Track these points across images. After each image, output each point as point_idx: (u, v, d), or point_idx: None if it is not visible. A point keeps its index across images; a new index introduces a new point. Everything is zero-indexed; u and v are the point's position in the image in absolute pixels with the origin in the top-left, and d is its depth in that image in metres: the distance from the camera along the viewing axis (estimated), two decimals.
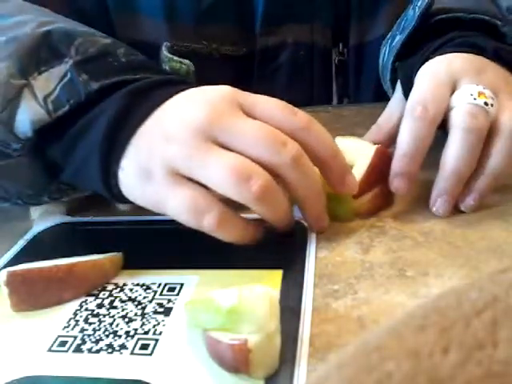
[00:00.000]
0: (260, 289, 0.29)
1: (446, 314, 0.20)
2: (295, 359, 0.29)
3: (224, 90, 0.37)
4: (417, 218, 0.41)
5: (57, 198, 0.44)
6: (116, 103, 0.37)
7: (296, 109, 0.37)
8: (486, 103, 0.39)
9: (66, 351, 0.32)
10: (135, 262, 0.39)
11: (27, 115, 0.37)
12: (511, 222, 0.39)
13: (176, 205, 0.35)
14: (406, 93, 0.44)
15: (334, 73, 0.66)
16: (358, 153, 0.43)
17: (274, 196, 0.35)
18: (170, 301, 0.35)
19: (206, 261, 0.39)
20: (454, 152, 0.39)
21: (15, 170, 0.40)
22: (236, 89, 0.37)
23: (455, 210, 0.41)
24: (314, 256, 0.38)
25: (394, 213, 0.42)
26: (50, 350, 0.32)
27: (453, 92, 0.41)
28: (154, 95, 0.38)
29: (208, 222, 0.35)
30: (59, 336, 0.33)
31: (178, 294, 0.35)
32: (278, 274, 0.36)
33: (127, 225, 0.46)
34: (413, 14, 0.47)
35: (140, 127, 0.36)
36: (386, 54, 0.52)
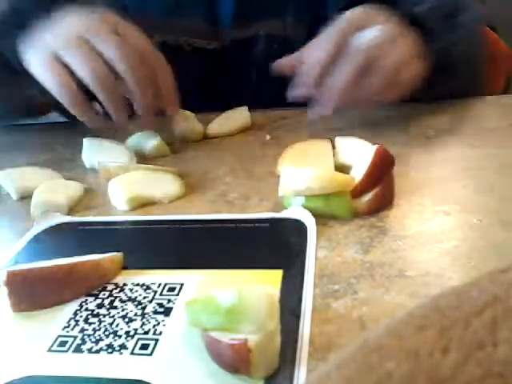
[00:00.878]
0: (260, 289, 0.29)
1: (446, 314, 0.20)
2: (295, 359, 0.29)
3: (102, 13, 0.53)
4: (417, 218, 0.41)
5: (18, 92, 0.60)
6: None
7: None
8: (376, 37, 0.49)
9: (66, 351, 0.32)
10: (135, 262, 0.39)
11: None
12: (511, 222, 0.39)
13: (48, 77, 0.51)
14: None
15: None
16: (357, 153, 0.43)
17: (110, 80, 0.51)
18: (169, 301, 0.35)
19: (206, 261, 0.39)
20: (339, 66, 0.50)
21: None
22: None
23: (454, 209, 0.41)
24: (314, 256, 0.38)
25: (394, 213, 0.42)
26: (49, 350, 0.32)
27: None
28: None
29: (67, 95, 0.51)
30: (59, 336, 0.33)
31: (178, 294, 0.35)
32: (278, 274, 0.36)
33: (127, 225, 0.46)
34: None
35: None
36: None
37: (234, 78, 0.67)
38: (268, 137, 0.59)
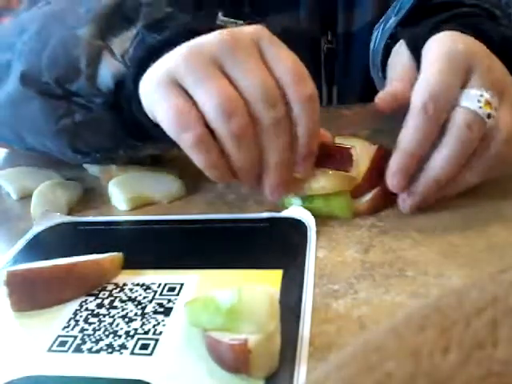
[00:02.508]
0: (260, 289, 0.29)
1: (446, 314, 0.20)
2: (295, 359, 0.29)
3: (252, 28, 0.38)
4: (417, 218, 0.41)
5: (131, 153, 0.47)
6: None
7: (306, 77, 0.38)
8: (488, 115, 0.38)
9: (66, 351, 0.32)
10: (135, 261, 0.39)
11: (108, 70, 0.42)
12: (511, 222, 0.39)
13: (164, 110, 0.36)
14: (414, 52, 0.43)
15: (323, 61, 0.67)
16: (358, 153, 0.43)
17: (251, 135, 0.36)
18: (170, 301, 0.35)
19: (206, 261, 0.39)
20: (441, 156, 0.38)
21: (97, 123, 0.44)
22: (267, 32, 0.38)
23: (455, 210, 0.41)
24: (314, 256, 0.38)
25: (394, 213, 0.42)
26: (49, 350, 0.32)
27: (462, 82, 0.39)
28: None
29: (187, 137, 0.36)
30: (59, 336, 0.33)
31: (178, 294, 0.35)
32: (278, 274, 0.36)
33: (127, 225, 0.46)
34: None
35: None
36: (379, 36, 0.52)
37: None
38: None
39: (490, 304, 0.20)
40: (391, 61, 0.48)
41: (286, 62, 0.37)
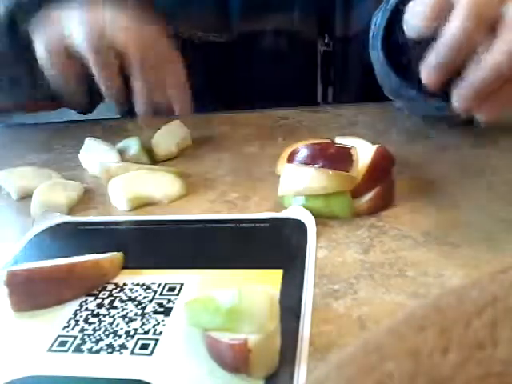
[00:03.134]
0: (260, 289, 0.29)
1: (446, 314, 0.20)
2: (295, 359, 0.29)
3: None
4: (417, 218, 0.41)
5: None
6: None
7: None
8: None
9: (66, 351, 0.32)
10: (135, 262, 0.39)
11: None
12: (511, 222, 0.39)
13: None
14: None
15: (320, 63, 0.67)
16: (357, 153, 0.43)
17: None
18: (170, 301, 0.35)
19: (206, 261, 0.39)
20: (494, 54, 0.34)
21: None
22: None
23: (454, 209, 0.41)
24: (314, 256, 0.38)
25: (394, 213, 0.42)
26: (49, 350, 0.32)
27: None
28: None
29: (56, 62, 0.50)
30: (59, 336, 0.33)
31: (178, 294, 0.35)
32: (278, 274, 0.36)
33: (127, 225, 0.46)
34: None
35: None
36: (379, 17, 0.51)
37: (242, 72, 0.67)
38: (280, 139, 0.58)
39: (490, 304, 0.20)
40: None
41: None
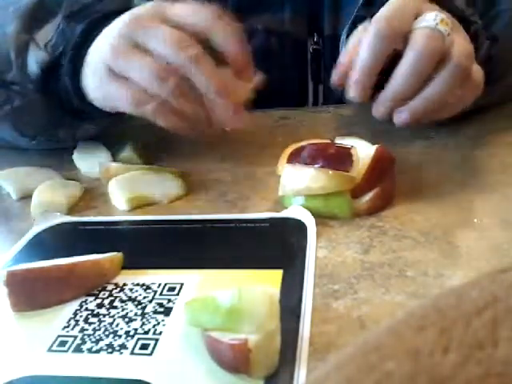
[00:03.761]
0: (260, 289, 0.29)
1: (446, 314, 0.20)
2: (295, 359, 0.29)
3: (149, 4, 0.47)
4: (417, 218, 0.41)
5: (72, 132, 0.55)
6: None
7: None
8: (445, 31, 0.41)
9: (66, 351, 0.32)
10: (135, 261, 0.39)
11: (34, 58, 0.50)
12: (511, 222, 0.39)
13: (120, 98, 0.46)
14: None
15: (310, 61, 0.67)
16: (357, 153, 0.43)
17: (186, 91, 0.44)
18: (170, 301, 0.35)
19: (206, 261, 0.39)
20: (403, 71, 0.42)
21: (32, 105, 0.52)
22: (162, 3, 0.46)
23: (454, 209, 0.41)
24: (314, 256, 0.38)
25: (394, 213, 0.42)
26: (49, 350, 0.32)
27: (416, 17, 0.43)
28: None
29: (149, 110, 0.45)
30: (59, 336, 0.33)
31: (178, 294, 0.35)
32: (278, 274, 0.36)
33: (127, 225, 0.46)
34: None
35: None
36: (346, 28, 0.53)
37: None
38: (280, 139, 0.58)
39: (490, 304, 0.20)
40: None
41: (189, 16, 0.45)
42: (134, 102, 0.45)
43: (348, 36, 0.50)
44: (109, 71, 0.45)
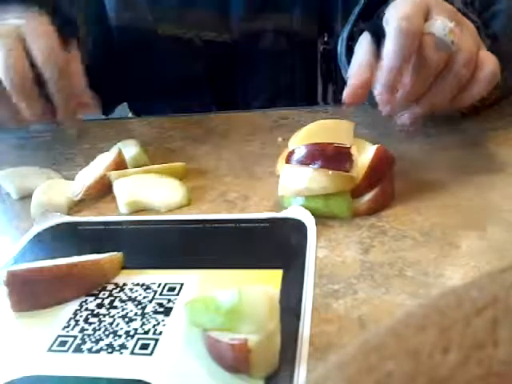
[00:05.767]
0: (260, 289, 0.29)
1: (446, 314, 0.20)
2: (295, 359, 0.29)
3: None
4: (417, 218, 0.41)
5: None
6: None
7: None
8: (452, 42, 0.41)
9: (66, 351, 0.32)
10: (135, 262, 0.39)
11: None
12: (511, 222, 0.39)
13: None
14: (374, 36, 0.45)
15: (319, 61, 0.67)
16: (357, 153, 0.43)
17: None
18: (170, 301, 0.35)
19: (206, 261, 0.39)
20: (412, 77, 0.42)
21: None
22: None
23: (454, 209, 0.41)
24: (314, 256, 0.38)
25: (394, 213, 0.42)
26: (49, 350, 0.32)
27: (425, 17, 0.42)
28: None
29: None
30: (59, 336, 0.33)
31: (178, 294, 0.35)
32: (278, 274, 0.36)
33: (127, 225, 0.46)
34: None
35: None
36: (344, 36, 0.52)
37: (244, 70, 0.67)
38: (280, 139, 0.58)
39: (490, 304, 0.20)
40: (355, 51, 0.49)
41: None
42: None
43: (347, 36, 0.50)
44: None
